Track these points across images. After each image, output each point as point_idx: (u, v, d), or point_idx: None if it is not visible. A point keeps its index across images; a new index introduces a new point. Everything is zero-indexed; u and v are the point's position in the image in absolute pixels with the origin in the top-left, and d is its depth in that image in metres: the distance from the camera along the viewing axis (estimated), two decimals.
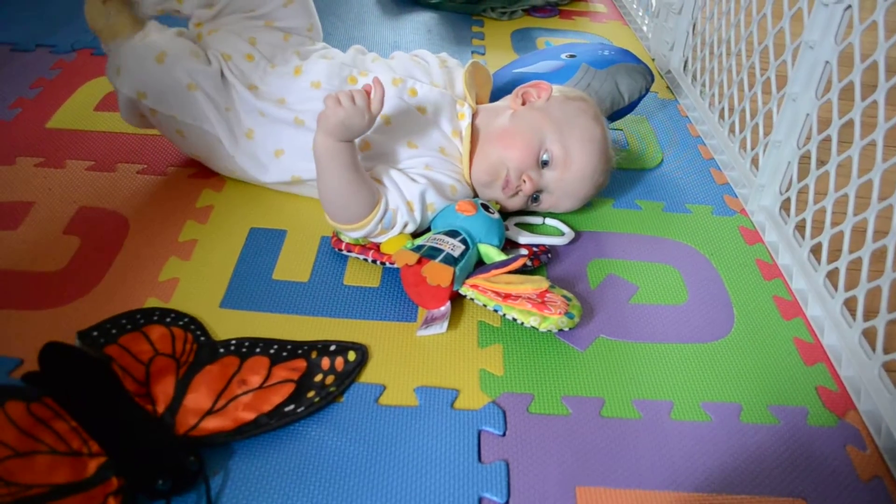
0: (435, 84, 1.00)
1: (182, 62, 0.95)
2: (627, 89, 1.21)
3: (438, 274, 0.82)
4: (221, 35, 0.99)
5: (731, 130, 1.24)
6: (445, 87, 1.01)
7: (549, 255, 0.96)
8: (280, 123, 0.97)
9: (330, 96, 0.85)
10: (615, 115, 1.22)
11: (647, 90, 1.24)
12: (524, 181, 0.95)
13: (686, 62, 1.49)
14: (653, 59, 1.61)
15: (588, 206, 1.08)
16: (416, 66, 1.02)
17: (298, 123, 0.95)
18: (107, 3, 0.97)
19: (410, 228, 0.93)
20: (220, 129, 0.97)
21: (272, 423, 0.70)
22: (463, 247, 0.87)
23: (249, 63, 0.98)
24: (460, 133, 0.98)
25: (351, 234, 0.92)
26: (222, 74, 0.97)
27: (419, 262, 0.83)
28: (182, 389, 0.72)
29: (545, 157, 0.95)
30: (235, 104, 0.97)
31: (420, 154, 0.96)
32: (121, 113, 1.02)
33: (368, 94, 0.86)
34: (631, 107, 1.24)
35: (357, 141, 0.89)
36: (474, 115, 1.00)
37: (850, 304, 0.88)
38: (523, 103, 1.01)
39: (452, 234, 0.88)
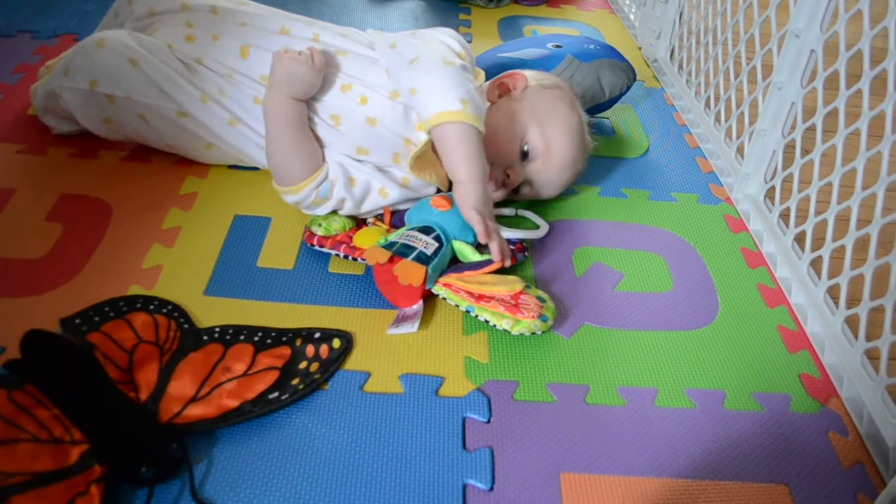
0: (393, 94, 0.93)
1: (121, 41, 0.94)
2: (609, 85, 1.21)
3: (410, 273, 0.81)
4: (160, 32, 0.98)
5: (717, 119, 1.24)
6: (406, 97, 0.92)
7: (526, 254, 0.95)
8: (236, 96, 0.96)
9: (276, 52, 0.88)
10: (594, 108, 1.22)
11: (629, 88, 1.24)
12: (507, 175, 0.95)
13: (672, 51, 1.49)
14: (639, 48, 1.61)
15: (573, 193, 1.08)
16: (373, 67, 0.94)
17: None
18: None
19: (348, 206, 0.92)
20: (177, 95, 0.95)
21: (256, 411, 0.70)
22: (436, 244, 0.85)
23: (192, 44, 0.96)
24: (412, 142, 0.94)
25: (287, 199, 0.92)
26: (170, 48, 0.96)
27: (391, 260, 0.82)
28: (165, 377, 0.72)
29: (525, 148, 0.95)
30: (191, 73, 0.96)
31: (371, 160, 0.95)
32: (85, 123, 1.00)
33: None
34: (610, 102, 1.24)
35: None
36: None
37: (833, 292, 0.89)
38: (500, 95, 1.01)
39: (426, 230, 0.87)
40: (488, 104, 0.99)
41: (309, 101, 0.92)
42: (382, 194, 0.93)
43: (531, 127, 0.95)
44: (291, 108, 0.89)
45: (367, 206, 0.94)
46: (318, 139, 0.93)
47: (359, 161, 0.94)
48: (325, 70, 0.91)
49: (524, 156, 0.96)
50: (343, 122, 0.93)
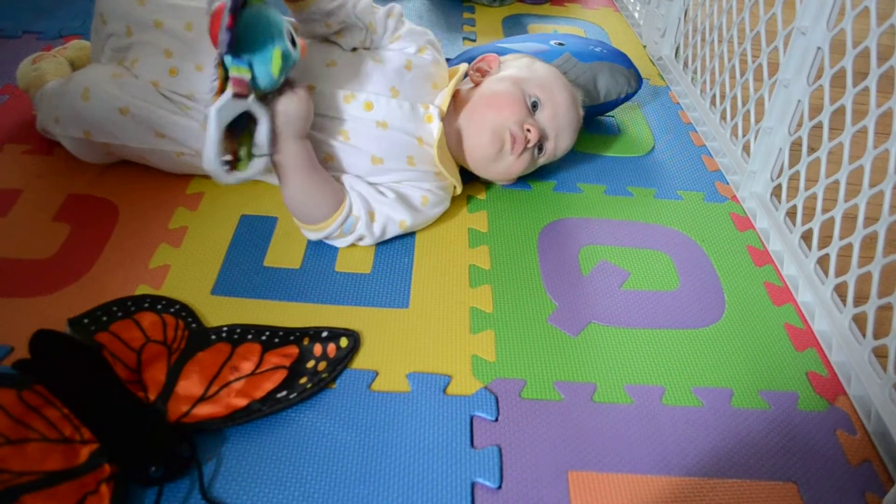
0: (394, 91, 0.94)
1: (105, 90, 0.92)
2: (605, 87, 1.20)
3: None
4: (142, 62, 0.94)
5: (723, 117, 1.24)
6: (407, 92, 0.94)
7: None
8: None
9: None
10: (590, 110, 1.20)
11: (629, 95, 1.24)
12: (528, 130, 0.95)
13: (678, 49, 1.49)
14: (644, 46, 1.61)
15: (580, 192, 1.08)
16: (374, 69, 0.94)
17: None
18: (36, 60, 1.04)
19: (367, 242, 0.93)
20: (176, 134, 0.93)
21: (264, 410, 0.70)
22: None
23: (177, 78, 0.93)
24: (424, 139, 0.95)
25: (310, 236, 0.91)
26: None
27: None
28: (174, 376, 0.72)
29: (533, 100, 0.97)
30: (185, 109, 0.94)
31: (386, 169, 0.94)
32: (85, 159, 1.00)
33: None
34: (606, 106, 1.23)
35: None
36: (449, 107, 0.98)
37: (840, 290, 0.89)
38: (482, 76, 1.03)
39: None
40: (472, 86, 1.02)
41: (315, 121, 0.90)
42: (402, 227, 0.93)
43: (525, 82, 0.98)
44: (299, 150, 0.86)
45: (387, 237, 0.94)
46: (331, 159, 0.93)
47: (374, 186, 0.93)
48: (313, 95, 0.88)
49: (534, 107, 0.98)
50: (353, 134, 0.92)
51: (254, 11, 0.76)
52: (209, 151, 0.78)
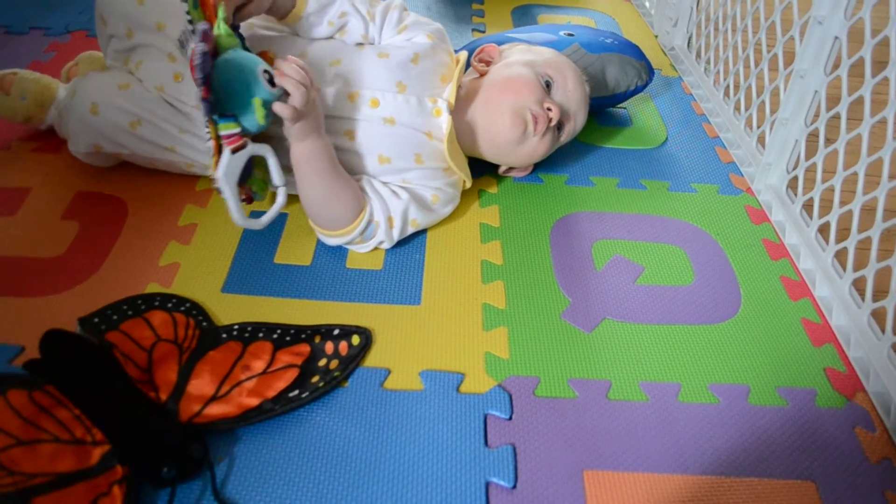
0: (401, 86, 0.91)
1: (113, 104, 0.91)
2: (613, 79, 1.19)
3: None
4: (146, 65, 0.93)
5: (737, 108, 1.22)
6: (414, 86, 0.92)
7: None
8: None
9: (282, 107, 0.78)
10: (599, 101, 1.19)
11: (640, 88, 1.22)
12: (549, 109, 0.95)
13: (690, 38, 1.47)
14: (656, 36, 1.59)
15: (592, 185, 1.07)
16: (379, 64, 0.91)
17: None
18: (9, 93, 1.00)
19: (385, 246, 0.92)
20: (183, 151, 0.94)
21: (277, 409, 0.69)
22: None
23: (181, 84, 0.92)
24: (433, 134, 0.93)
25: (329, 242, 0.90)
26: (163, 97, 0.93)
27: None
28: (185, 376, 0.71)
29: (546, 80, 0.98)
30: (191, 121, 0.93)
31: (394, 169, 0.93)
32: (95, 164, 0.99)
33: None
34: (616, 98, 1.22)
35: None
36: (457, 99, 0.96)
37: (858, 285, 0.88)
38: (487, 66, 1.03)
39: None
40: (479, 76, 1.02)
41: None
42: (414, 225, 0.92)
43: (534, 64, 0.99)
44: (317, 148, 0.84)
45: (404, 236, 0.93)
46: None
47: (383, 177, 0.93)
48: (318, 85, 0.87)
49: (548, 86, 0.98)
50: (359, 133, 0.91)
51: (226, 63, 0.75)
52: (234, 214, 0.78)
